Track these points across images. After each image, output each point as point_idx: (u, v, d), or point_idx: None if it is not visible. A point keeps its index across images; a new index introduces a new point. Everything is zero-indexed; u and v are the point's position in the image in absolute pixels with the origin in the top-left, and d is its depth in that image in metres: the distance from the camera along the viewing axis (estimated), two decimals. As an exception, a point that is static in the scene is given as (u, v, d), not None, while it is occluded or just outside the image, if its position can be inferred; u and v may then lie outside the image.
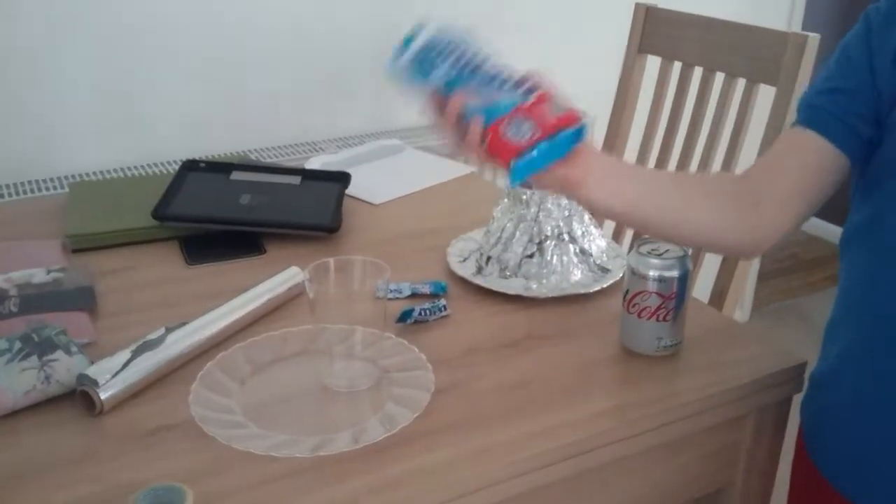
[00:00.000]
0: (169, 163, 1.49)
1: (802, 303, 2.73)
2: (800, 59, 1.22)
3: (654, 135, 1.50)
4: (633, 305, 0.86)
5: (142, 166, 1.49)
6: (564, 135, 0.76)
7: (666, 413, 0.79)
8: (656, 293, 0.84)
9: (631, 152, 1.56)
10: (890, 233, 0.74)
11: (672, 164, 1.48)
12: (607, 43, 1.60)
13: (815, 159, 0.78)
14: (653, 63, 1.50)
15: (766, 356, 0.87)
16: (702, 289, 1.37)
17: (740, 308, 1.43)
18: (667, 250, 0.85)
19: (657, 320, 0.85)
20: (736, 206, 0.81)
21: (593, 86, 1.70)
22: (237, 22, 1.53)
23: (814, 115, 0.79)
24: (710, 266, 1.38)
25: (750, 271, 1.35)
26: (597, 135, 1.69)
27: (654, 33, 1.49)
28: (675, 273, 0.84)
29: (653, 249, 0.85)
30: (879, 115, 0.76)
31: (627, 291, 0.86)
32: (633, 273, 0.85)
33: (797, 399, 0.88)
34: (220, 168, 1.25)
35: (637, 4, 1.50)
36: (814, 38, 1.22)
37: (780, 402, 0.87)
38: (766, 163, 0.83)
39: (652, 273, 0.84)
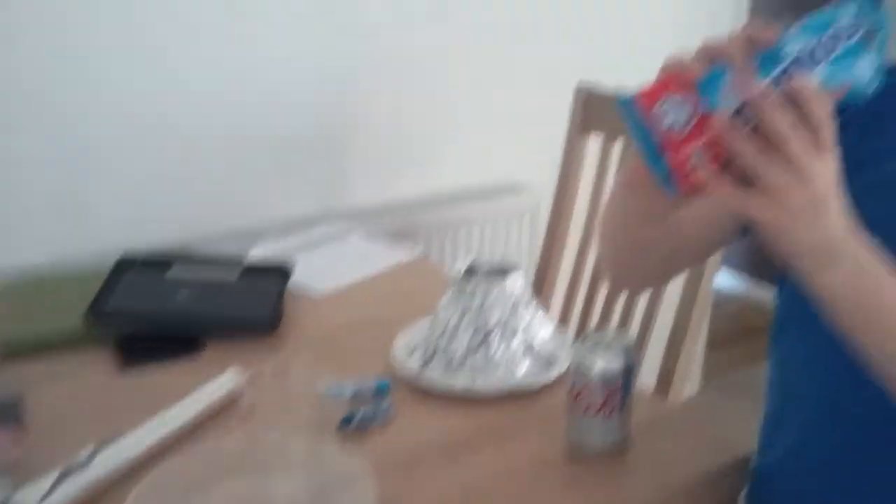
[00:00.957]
0: (110, 253, 1.45)
1: (755, 372, 2.74)
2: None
3: (598, 209, 1.52)
4: (578, 400, 0.84)
5: (80, 259, 1.44)
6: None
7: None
8: (601, 389, 0.83)
9: (576, 229, 1.57)
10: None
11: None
12: (551, 123, 1.62)
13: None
14: (595, 142, 1.52)
15: (713, 450, 0.87)
16: (648, 371, 1.37)
17: (689, 381, 1.44)
18: (611, 343, 0.84)
19: (603, 416, 0.84)
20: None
21: (538, 167, 1.75)
22: (178, 110, 1.52)
23: None
24: (656, 345, 1.39)
25: (697, 348, 1.36)
26: (543, 214, 1.72)
27: (594, 113, 1.52)
28: (619, 366, 0.83)
29: (597, 343, 0.84)
30: None
31: (573, 387, 0.85)
32: (578, 369, 0.84)
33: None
34: (156, 264, 1.22)
35: (577, 88, 1.53)
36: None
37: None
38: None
39: (596, 368, 0.83)
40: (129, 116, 1.48)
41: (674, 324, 1.37)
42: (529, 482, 0.81)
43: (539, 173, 1.76)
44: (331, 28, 1.62)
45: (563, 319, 1.56)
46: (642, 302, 1.43)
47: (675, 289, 1.32)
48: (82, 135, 1.45)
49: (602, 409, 0.83)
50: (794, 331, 0.79)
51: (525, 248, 1.90)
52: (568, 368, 0.93)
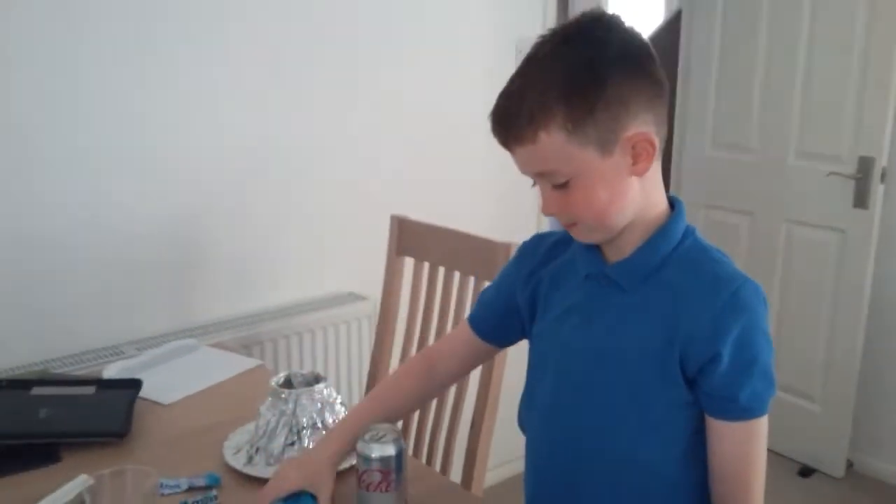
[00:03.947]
0: None
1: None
2: (506, 261, 1.56)
3: (416, 317, 1.80)
4: (362, 481, 1.09)
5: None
6: None
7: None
8: (378, 470, 1.08)
9: (400, 332, 1.84)
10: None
11: (430, 339, 1.76)
12: (375, 248, 1.91)
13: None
14: (409, 263, 1.82)
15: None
16: (459, 449, 1.64)
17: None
18: (384, 434, 1.10)
19: (381, 492, 1.09)
20: (423, 379, 1.23)
21: (372, 279, 2.02)
22: (34, 239, 1.68)
23: (472, 316, 1.20)
24: (464, 428, 1.65)
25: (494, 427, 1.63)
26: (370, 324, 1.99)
27: (407, 239, 1.82)
28: (391, 452, 1.08)
29: (373, 436, 1.10)
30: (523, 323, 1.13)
31: (358, 470, 1.10)
32: (360, 456, 1.09)
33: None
34: (20, 385, 1.40)
35: (392, 216, 1.84)
36: (515, 245, 1.57)
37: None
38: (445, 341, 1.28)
39: (374, 455, 1.08)
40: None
41: (475, 409, 1.65)
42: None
43: (373, 284, 2.03)
44: (173, 169, 1.86)
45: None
46: (452, 393, 1.71)
47: (475, 381, 1.61)
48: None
49: (379, 486, 1.08)
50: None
51: (365, 349, 2.15)
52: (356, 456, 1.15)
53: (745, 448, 0.97)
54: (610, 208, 0.95)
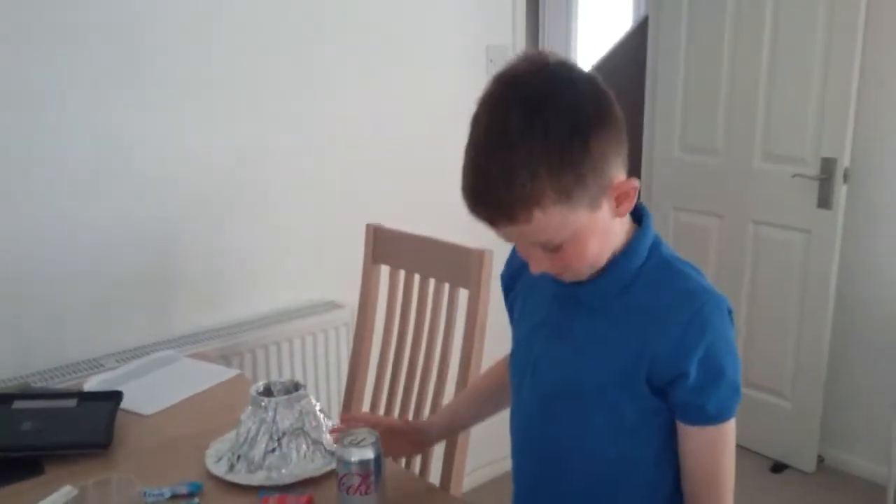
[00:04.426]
0: None
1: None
2: (480, 268, 1.61)
3: (393, 325, 1.83)
4: (342, 484, 1.12)
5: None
6: None
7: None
8: (357, 473, 1.11)
9: (377, 338, 1.87)
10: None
11: (407, 346, 1.80)
12: (352, 257, 1.94)
13: None
14: (385, 271, 1.85)
15: None
16: (437, 455, 1.67)
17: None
18: (363, 439, 1.14)
19: (360, 494, 1.12)
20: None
21: (349, 287, 2.04)
22: (8, 248, 1.69)
23: None
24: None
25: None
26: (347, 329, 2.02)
27: (382, 247, 1.85)
28: (370, 456, 1.12)
29: (352, 440, 1.13)
30: None
31: (338, 474, 1.13)
32: (340, 460, 1.13)
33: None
34: (2, 399, 1.42)
35: (367, 225, 1.87)
36: (489, 251, 1.61)
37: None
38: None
39: (353, 459, 1.11)
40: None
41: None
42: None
43: (350, 292, 2.06)
44: (149, 180, 1.88)
45: (373, 409, 1.85)
46: (429, 397, 1.74)
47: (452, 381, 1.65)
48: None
49: (359, 489, 1.12)
50: None
51: (343, 356, 2.18)
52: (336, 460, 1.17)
53: (714, 449, 1.02)
54: (601, 253, 0.97)
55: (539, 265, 0.96)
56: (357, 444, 1.13)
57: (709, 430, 1.01)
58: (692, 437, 1.02)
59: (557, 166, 0.86)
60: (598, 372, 1.02)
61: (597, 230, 0.94)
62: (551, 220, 0.88)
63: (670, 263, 1.02)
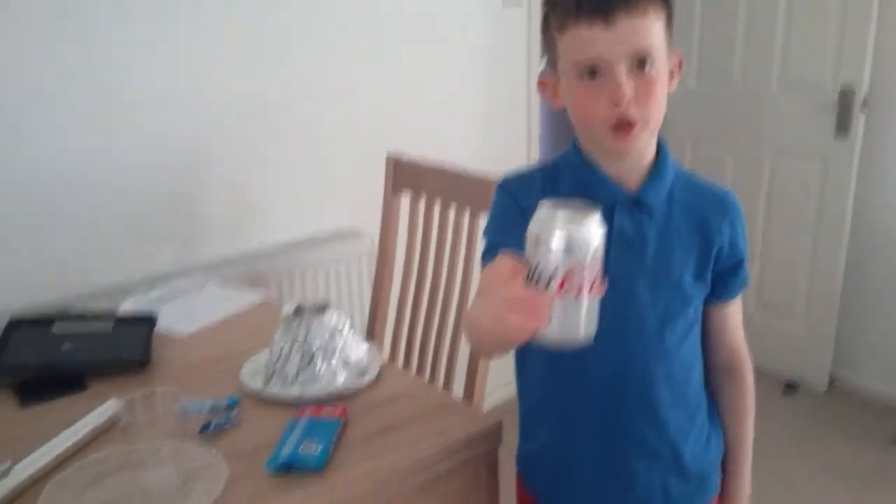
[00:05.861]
0: None
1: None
2: (502, 194, 1.63)
3: (413, 252, 1.87)
4: (569, 285, 0.72)
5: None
6: None
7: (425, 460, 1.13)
8: (597, 260, 0.73)
9: (398, 267, 1.91)
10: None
11: (428, 273, 1.84)
12: (371, 188, 1.98)
13: None
14: (405, 202, 1.88)
15: (474, 420, 1.22)
16: (459, 380, 1.73)
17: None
18: (583, 212, 0.75)
19: (593, 294, 0.75)
20: None
21: (370, 216, 2.08)
22: (42, 177, 1.74)
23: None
24: (463, 359, 1.74)
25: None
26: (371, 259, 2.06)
27: (403, 176, 1.88)
28: (603, 231, 0.76)
29: (571, 213, 0.73)
30: None
31: (553, 275, 0.72)
32: (567, 247, 0.72)
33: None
34: (43, 323, 1.47)
35: (388, 155, 1.90)
36: (510, 178, 1.64)
37: (488, 452, 1.22)
38: None
39: (592, 240, 0.73)
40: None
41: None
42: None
43: (373, 221, 2.09)
44: (178, 108, 1.92)
45: (395, 335, 1.90)
46: (451, 323, 1.79)
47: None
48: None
49: (592, 284, 0.73)
50: (535, 358, 1.14)
51: (365, 284, 2.23)
52: (540, 259, 0.74)
53: (740, 315, 1.18)
54: (661, 113, 1.01)
55: (627, 90, 0.96)
56: (582, 220, 0.73)
57: (738, 299, 1.15)
58: (732, 312, 1.16)
59: None
60: (675, 274, 1.07)
61: (664, 82, 1.00)
62: (657, 27, 0.97)
63: (686, 172, 1.12)
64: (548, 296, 0.73)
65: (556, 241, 0.72)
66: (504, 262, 0.77)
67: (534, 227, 0.74)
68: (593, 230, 0.73)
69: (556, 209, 0.74)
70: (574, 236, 0.72)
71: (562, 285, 0.72)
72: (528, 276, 0.74)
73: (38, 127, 1.73)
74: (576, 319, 0.74)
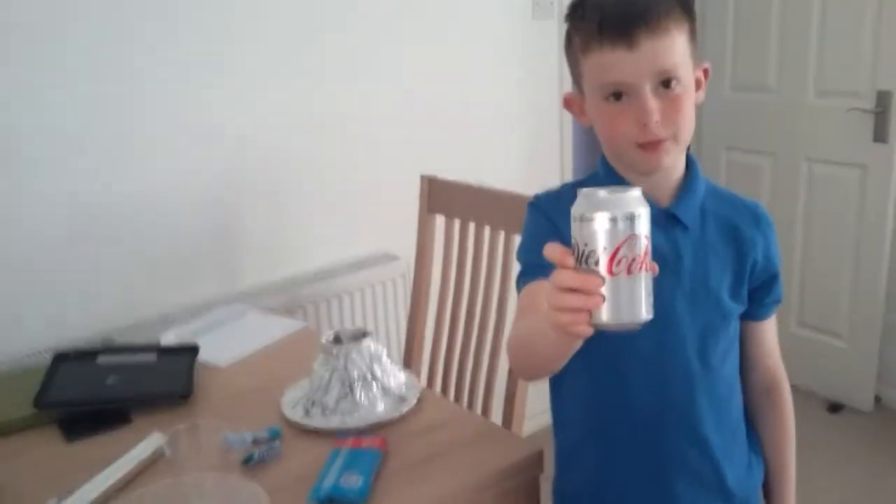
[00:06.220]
0: (35, 353, 1.67)
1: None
2: (536, 215, 1.63)
3: (449, 274, 1.87)
4: (619, 262, 0.70)
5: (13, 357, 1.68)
6: None
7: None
8: (643, 235, 0.72)
9: (435, 288, 1.91)
10: (599, 364, 1.06)
11: (464, 294, 1.84)
12: (405, 210, 1.99)
13: None
14: (440, 222, 1.88)
15: (514, 448, 1.21)
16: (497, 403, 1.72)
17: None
18: (620, 188, 0.74)
19: (644, 270, 0.72)
20: None
21: (405, 239, 2.09)
22: (83, 211, 1.77)
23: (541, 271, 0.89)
24: (500, 382, 1.73)
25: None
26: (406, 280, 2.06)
27: (437, 197, 1.88)
28: (647, 208, 0.74)
29: (614, 191, 0.73)
30: None
31: (602, 253, 0.71)
32: (612, 223, 0.71)
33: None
34: (87, 356, 1.50)
35: (422, 176, 1.90)
36: (543, 198, 1.63)
37: (529, 481, 1.21)
38: None
39: (636, 215, 0.71)
40: (34, 222, 1.73)
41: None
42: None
43: (407, 244, 2.09)
44: (214, 140, 1.94)
45: (433, 359, 1.90)
46: (487, 344, 1.79)
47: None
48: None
49: (644, 260, 0.71)
50: (577, 373, 1.06)
51: (401, 307, 2.24)
52: (586, 239, 0.72)
53: (776, 334, 1.18)
54: (691, 127, 1.00)
55: (655, 112, 0.95)
56: (624, 196, 0.72)
57: (774, 315, 1.15)
58: (769, 329, 1.15)
59: (684, 4, 0.98)
60: (713, 289, 1.06)
61: (692, 95, 0.99)
62: (680, 44, 0.96)
63: (715, 185, 1.12)
64: (599, 274, 0.71)
65: (600, 219, 0.71)
66: (552, 247, 0.75)
67: (576, 209, 0.73)
68: (636, 205, 0.72)
69: (596, 190, 0.73)
70: (617, 213, 0.71)
71: (611, 264, 0.71)
72: (576, 259, 0.72)
73: (82, 164, 1.77)
74: (630, 298, 0.72)
